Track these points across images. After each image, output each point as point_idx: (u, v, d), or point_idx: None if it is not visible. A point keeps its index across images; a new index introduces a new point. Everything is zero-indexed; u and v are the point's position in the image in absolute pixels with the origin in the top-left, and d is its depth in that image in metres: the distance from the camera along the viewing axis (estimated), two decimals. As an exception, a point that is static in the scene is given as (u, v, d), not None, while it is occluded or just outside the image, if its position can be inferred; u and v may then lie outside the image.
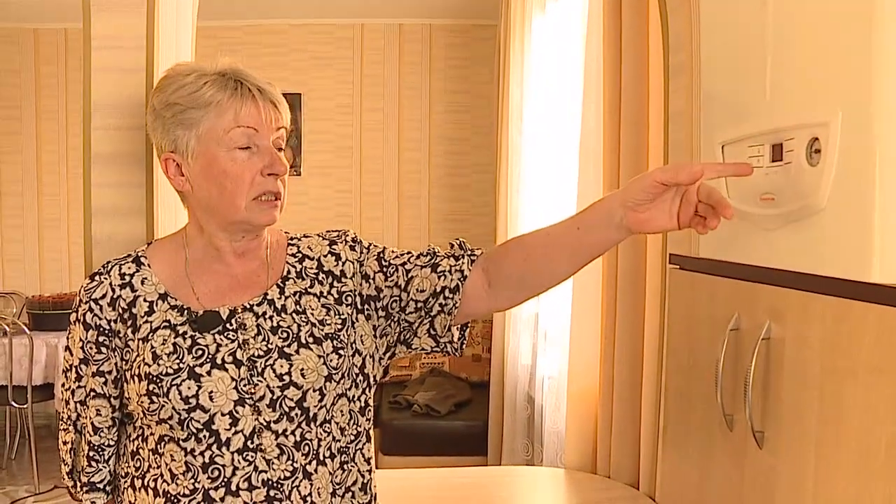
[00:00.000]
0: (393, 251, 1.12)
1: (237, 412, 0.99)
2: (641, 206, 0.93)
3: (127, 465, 1.07)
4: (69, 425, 1.09)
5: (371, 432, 1.12)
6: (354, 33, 4.41)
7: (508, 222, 3.14)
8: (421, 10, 4.26)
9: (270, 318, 1.04)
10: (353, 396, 1.07)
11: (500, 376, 3.19)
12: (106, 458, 1.07)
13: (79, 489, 1.09)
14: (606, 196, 0.99)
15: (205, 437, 0.98)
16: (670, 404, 1.23)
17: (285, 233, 1.15)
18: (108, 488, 1.08)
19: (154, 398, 0.99)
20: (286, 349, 1.02)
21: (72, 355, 1.07)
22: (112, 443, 1.08)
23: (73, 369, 1.07)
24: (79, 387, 1.07)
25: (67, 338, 1.09)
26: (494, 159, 3.70)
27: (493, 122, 4.15)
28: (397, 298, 1.08)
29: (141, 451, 1.04)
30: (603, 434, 1.82)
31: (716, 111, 1.10)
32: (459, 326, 1.10)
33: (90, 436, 1.06)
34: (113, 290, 1.05)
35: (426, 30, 4.40)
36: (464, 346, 1.11)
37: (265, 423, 1.00)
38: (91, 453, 1.07)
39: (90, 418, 1.06)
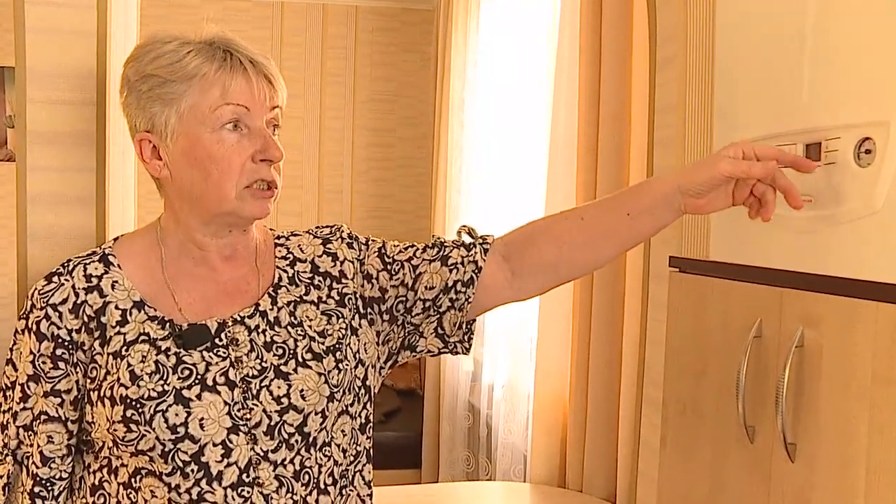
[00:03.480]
0: (395, 245, 1.01)
1: (230, 441, 0.86)
2: (702, 193, 0.90)
3: (84, 501, 0.91)
4: (5, 455, 0.91)
5: (371, 451, 1.01)
6: (273, 12, 4.16)
7: (447, 219, 3.05)
8: (347, -9, 4.09)
9: (263, 332, 0.91)
10: (355, 413, 0.96)
11: (437, 384, 3.05)
12: (55, 493, 0.91)
13: None
14: (656, 180, 0.95)
15: (193, 471, 0.85)
16: (671, 414, 1.18)
17: (270, 230, 1.02)
18: None
19: (132, 426, 0.84)
20: (283, 367, 0.90)
21: (16, 371, 0.91)
22: (65, 475, 0.91)
23: (18, 387, 0.90)
24: (23, 409, 0.90)
25: (11, 349, 0.91)
26: (425, 153, 3.59)
27: (425, 114, 4.04)
28: (403, 299, 0.98)
29: (106, 485, 0.89)
30: (574, 447, 1.73)
31: (734, 109, 1.07)
32: (466, 323, 1.00)
33: (37, 468, 0.90)
34: (76, 295, 0.89)
35: (352, 12, 4.22)
36: (472, 344, 1.02)
37: (262, 454, 0.87)
38: (37, 489, 0.90)
39: (38, 447, 0.89)
